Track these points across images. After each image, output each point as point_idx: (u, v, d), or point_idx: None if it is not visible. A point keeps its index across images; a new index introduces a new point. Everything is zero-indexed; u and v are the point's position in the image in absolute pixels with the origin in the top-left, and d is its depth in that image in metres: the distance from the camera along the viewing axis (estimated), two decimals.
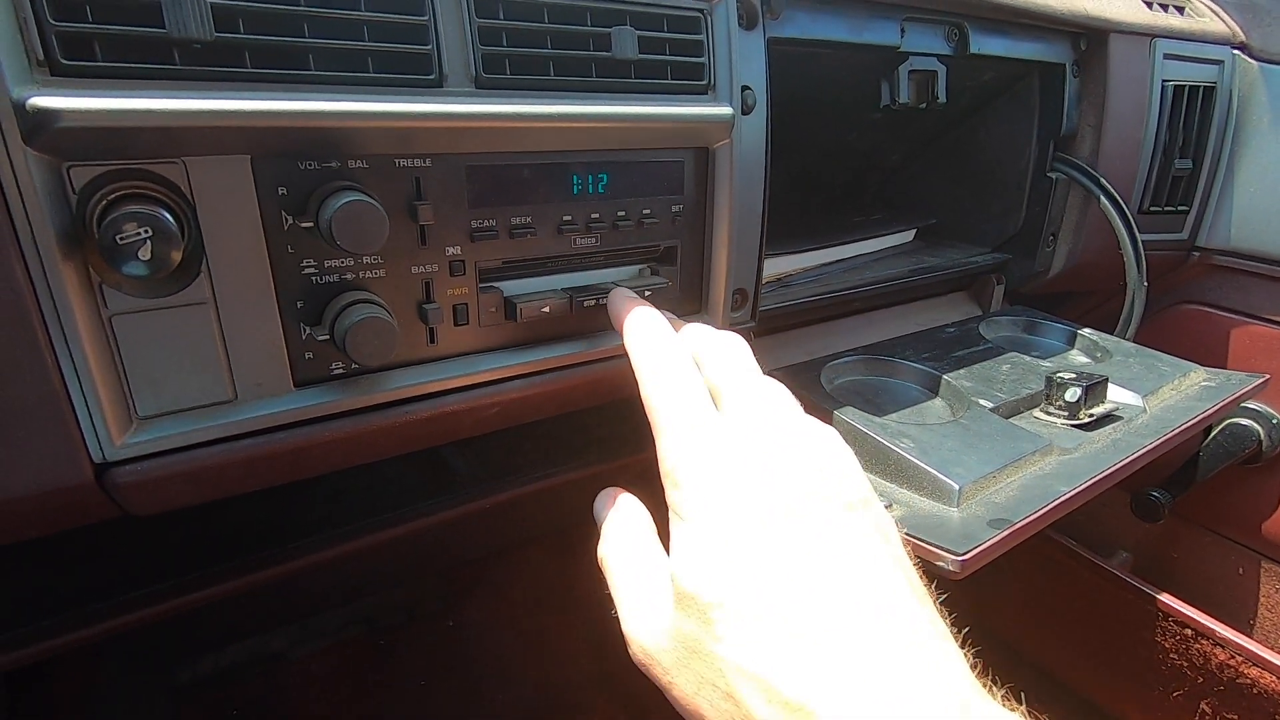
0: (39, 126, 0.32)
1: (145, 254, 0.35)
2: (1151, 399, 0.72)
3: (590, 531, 0.41)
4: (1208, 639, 0.99)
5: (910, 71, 0.76)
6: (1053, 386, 0.68)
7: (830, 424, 0.63)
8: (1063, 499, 0.55)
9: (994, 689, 0.29)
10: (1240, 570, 1.05)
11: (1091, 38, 0.88)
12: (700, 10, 0.55)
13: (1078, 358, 0.86)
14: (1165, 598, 1.02)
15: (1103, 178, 0.89)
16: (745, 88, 0.59)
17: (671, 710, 0.32)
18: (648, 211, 0.56)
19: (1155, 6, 0.92)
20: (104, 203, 0.35)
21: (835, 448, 0.35)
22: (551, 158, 0.50)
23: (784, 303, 0.77)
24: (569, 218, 0.52)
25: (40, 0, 0.33)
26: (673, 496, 0.34)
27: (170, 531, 0.66)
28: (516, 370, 0.53)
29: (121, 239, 0.34)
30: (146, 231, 0.34)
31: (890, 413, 0.68)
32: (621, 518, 0.39)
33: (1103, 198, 0.88)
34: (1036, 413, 0.69)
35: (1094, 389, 0.67)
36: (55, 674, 0.90)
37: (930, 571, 0.49)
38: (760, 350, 0.76)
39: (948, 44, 0.77)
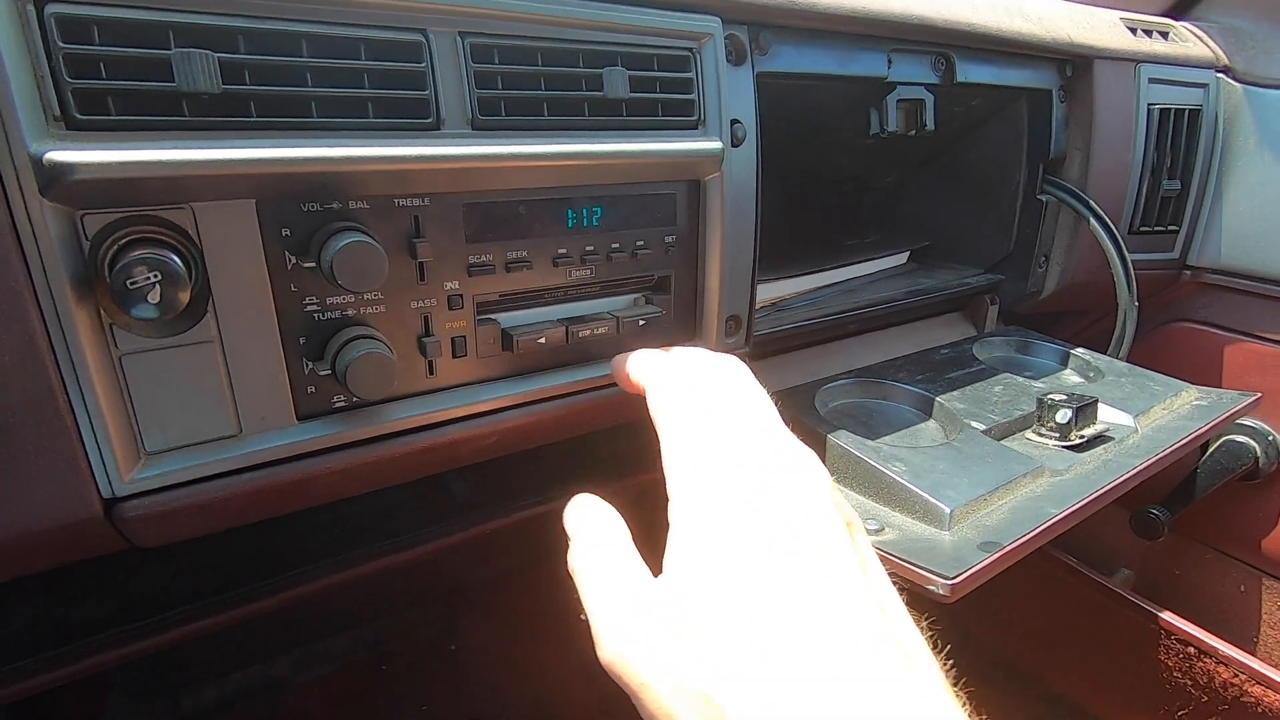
0: (55, 179, 0.34)
1: (154, 297, 0.36)
2: (1143, 419, 0.73)
3: None
4: (1211, 657, 0.99)
5: (898, 100, 0.77)
6: (1044, 408, 0.69)
7: (824, 447, 0.64)
8: (1053, 521, 0.55)
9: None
10: (1242, 587, 1.05)
11: (1077, 64, 0.90)
12: (689, 49, 0.56)
13: (1071, 378, 0.87)
14: (1167, 616, 1.02)
15: (1092, 200, 0.90)
16: (735, 121, 0.61)
17: None
18: (641, 243, 0.58)
19: (1139, 32, 0.94)
20: (115, 247, 0.37)
21: (825, 477, 0.36)
22: (547, 194, 0.52)
23: (779, 327, 0.78)
24: (564, 250, 0.54)
25: (57, 58, 0.35)
26: (672, 494, 0.34)
27: (172, 560, 0.67)
28: (514, 400, 0.54)
29: (132, 283, 0.35)
30: (156, 276, 0.36)
31: (884, 435, 0.68)
32: (595, 524, 0.39)
33: (1092, 220, 0.89)
34: (1028, 434, 0.70)
35: (1084, 410, 0.67)
36: (60, 705, 0.90)
37: (923, 595, 0.50)
38: (756, 374, 0.78)
39: (935, 73, 0.79)
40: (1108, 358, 0.88)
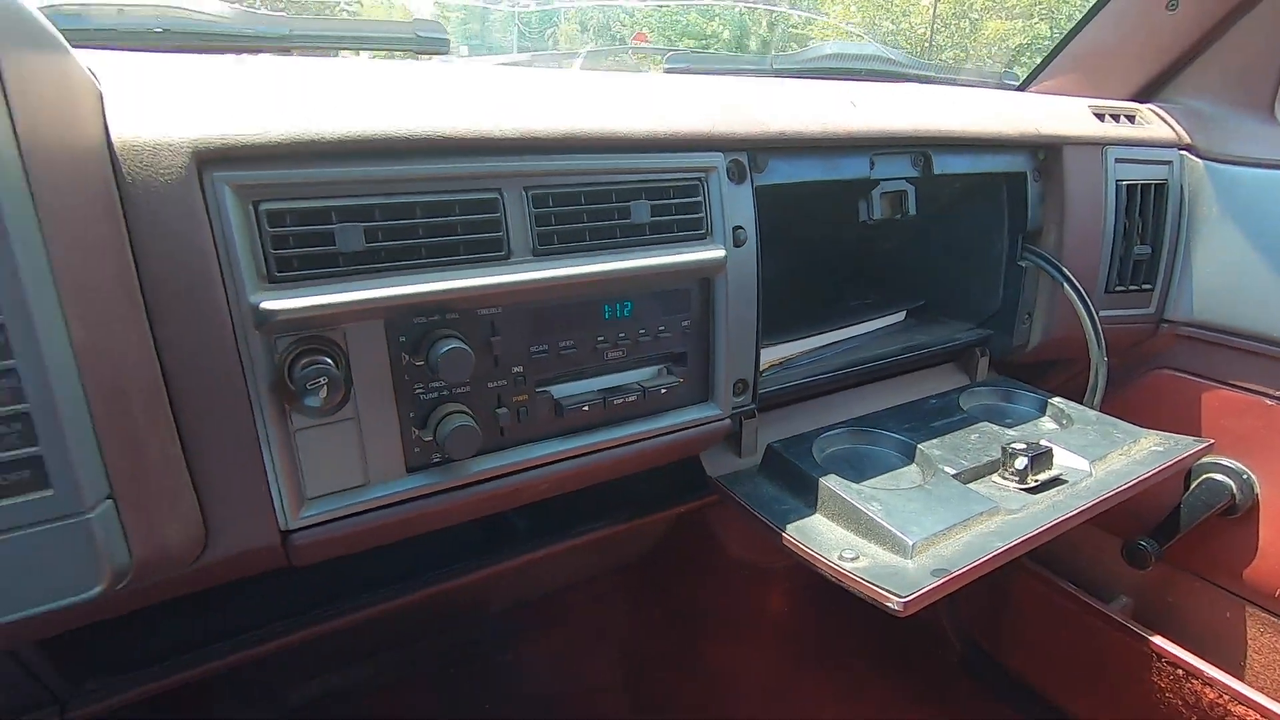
0: (265, 320, 0.51)
1: (322, 393, 0.53)
2: (1099, 464, 0.85)
3: (626, 578, 0.56)
4: (1198, 679, 1.08)
5: (882, 193, 0.92)
6: (1005, 455, 0.81)
7: (817, 488, 0.78)
8: (997, 553, 0.68)
9: None
10: (1228, 615, 1.13)
11: (1048, 150, 1.02)
12: (699, 179, 0.72)
13: (1046, 425, 0.98)
14: (1159, 640, 1.11)
15: (1066, 267, 1.02)
16: (737, 227, 0.76)
17: None
18: (662, 327, 0.73)
19: (1106, 118, 1.07)
20: (290, 357, 0.54)
21: None
22: (589, 296, 0.68)
23: (785, 384, 0.92)
24: (602, 337, 0.70)
25: (266, 237, 0.52)
26: None
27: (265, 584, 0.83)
28: (564, 454, 0.70)
29: (309, 384, 0.52)
30: (324, 379, 0.53)
31: (869, 478, 0.82)
32: None
33: (1066, 285, 1.01)
34: (994, 478, 0.83)
35: (1039, 458, 0.80)
36: (179, 706, 1.07)
37: (882, 610, 0.63)
38: (763, 425, 0.92)
39: (914, 168, 0.93)
40: (1080, 406, 0.99)
